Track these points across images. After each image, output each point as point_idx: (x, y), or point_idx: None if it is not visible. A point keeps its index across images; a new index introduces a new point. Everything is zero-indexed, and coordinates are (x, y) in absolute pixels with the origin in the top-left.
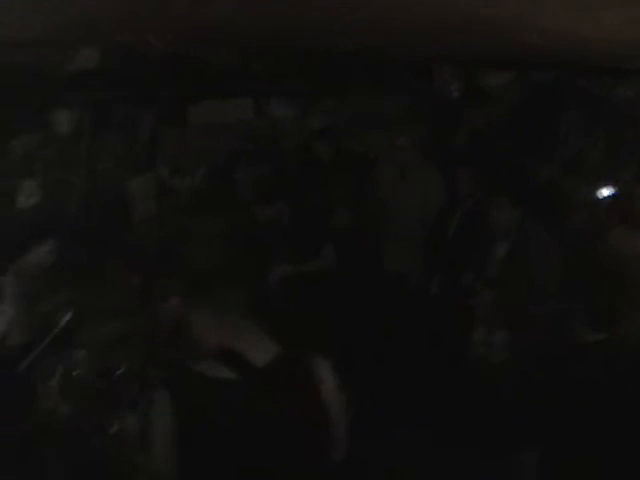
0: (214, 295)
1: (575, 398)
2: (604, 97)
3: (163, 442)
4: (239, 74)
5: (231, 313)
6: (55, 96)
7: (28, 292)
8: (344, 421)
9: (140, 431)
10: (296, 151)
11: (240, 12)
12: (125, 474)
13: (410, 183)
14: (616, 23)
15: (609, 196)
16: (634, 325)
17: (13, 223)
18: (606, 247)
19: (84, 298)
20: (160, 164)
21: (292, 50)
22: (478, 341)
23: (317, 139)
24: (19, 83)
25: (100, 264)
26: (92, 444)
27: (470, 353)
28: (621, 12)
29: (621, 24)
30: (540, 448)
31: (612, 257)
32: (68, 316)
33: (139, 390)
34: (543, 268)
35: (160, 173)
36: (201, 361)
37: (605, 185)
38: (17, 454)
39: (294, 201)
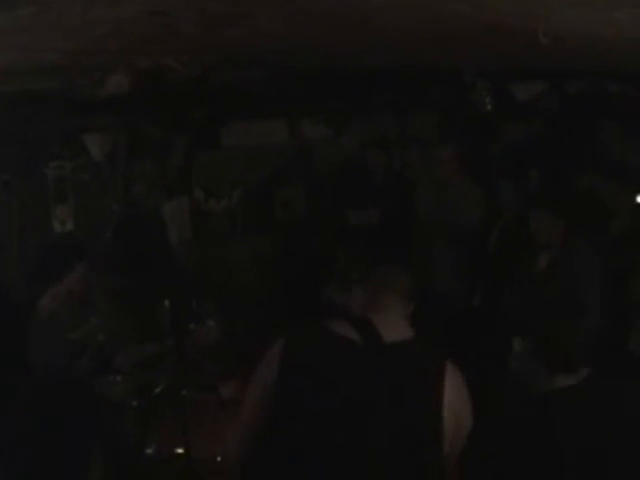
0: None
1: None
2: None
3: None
4: (270, 95)
5: (381, 292)
6: (87, 122)
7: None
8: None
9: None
10: (334, 170)
11: (260, 33)
12: None
13: (450, 198)
14: (627, 22)
15: None
16: None
17: (50, 249)
18: None
19: (117, 322)
20: (195, 187)
21: (323, 70)
22: (515, 355)
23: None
24: (50, 109)
25: (134, 287)
26: (129, 464)
27: (508, 366)
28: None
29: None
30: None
31: None
32: (100, 339)
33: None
34: (585, 282)
35: (195, 196)
36: (334, 322)
37: None
38: None
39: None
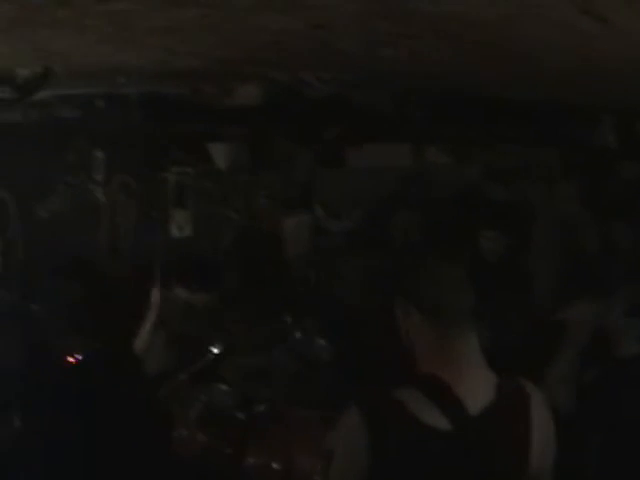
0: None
1: None
2: None
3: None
4: (399, 118)
5: (460, 331)
6: (213, 130)
7: (172, 322)
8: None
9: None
10: (453, 199)
11: (415, 56)
12: None
13: (565, 232)
14: None
15: None
16: None
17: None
18: None
19: (232, 332)
20: (316, 205)
21: (452, 97)
22: None
23: (481, 187)
24: (176, 114)
25: (251, 298)
26: (226, 475)
27: None
28: None
29: None
30: None
31: None
32: (216, 350)
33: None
34: None
35: (316, 214)
36: (405, 388)
37: None
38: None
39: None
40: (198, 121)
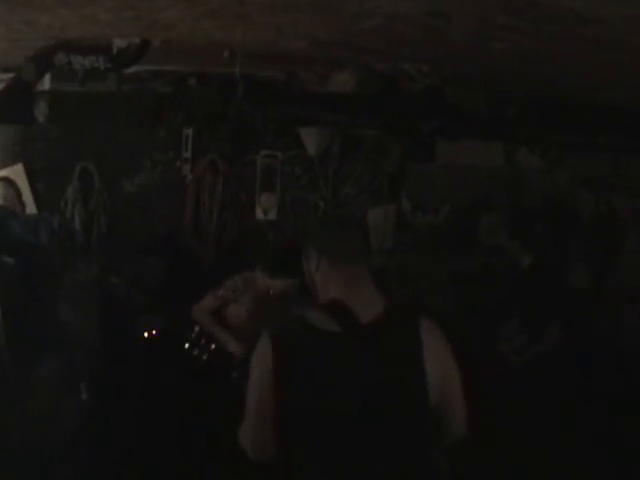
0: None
1: None
2: None
3: (260, 384)
4: (493, 117)
5: (350, 264)
6: (305, 115)
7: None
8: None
9: None
10: (544, 204)
11: (523, 53)
12: None
13: None
14: None
15: None
16: None
17: (251, 235)
18: None
19: None
20: (403, 198)
21: (548, 100)
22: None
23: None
24: (268, 97)
25: None
26: None
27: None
28: None
29: None
30: None
31: None
32: None
33: None
34: None
35: (402, 207)
36: (311, 312)
37: None
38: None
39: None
40: (291, 106)
